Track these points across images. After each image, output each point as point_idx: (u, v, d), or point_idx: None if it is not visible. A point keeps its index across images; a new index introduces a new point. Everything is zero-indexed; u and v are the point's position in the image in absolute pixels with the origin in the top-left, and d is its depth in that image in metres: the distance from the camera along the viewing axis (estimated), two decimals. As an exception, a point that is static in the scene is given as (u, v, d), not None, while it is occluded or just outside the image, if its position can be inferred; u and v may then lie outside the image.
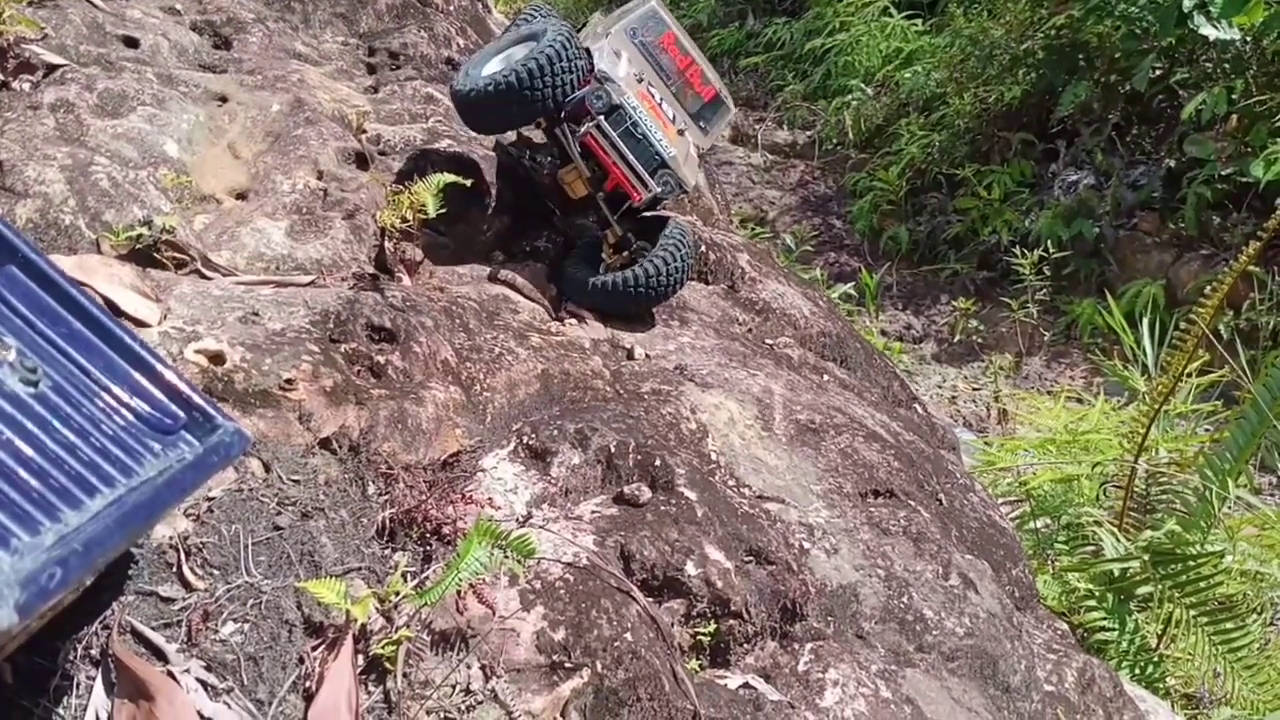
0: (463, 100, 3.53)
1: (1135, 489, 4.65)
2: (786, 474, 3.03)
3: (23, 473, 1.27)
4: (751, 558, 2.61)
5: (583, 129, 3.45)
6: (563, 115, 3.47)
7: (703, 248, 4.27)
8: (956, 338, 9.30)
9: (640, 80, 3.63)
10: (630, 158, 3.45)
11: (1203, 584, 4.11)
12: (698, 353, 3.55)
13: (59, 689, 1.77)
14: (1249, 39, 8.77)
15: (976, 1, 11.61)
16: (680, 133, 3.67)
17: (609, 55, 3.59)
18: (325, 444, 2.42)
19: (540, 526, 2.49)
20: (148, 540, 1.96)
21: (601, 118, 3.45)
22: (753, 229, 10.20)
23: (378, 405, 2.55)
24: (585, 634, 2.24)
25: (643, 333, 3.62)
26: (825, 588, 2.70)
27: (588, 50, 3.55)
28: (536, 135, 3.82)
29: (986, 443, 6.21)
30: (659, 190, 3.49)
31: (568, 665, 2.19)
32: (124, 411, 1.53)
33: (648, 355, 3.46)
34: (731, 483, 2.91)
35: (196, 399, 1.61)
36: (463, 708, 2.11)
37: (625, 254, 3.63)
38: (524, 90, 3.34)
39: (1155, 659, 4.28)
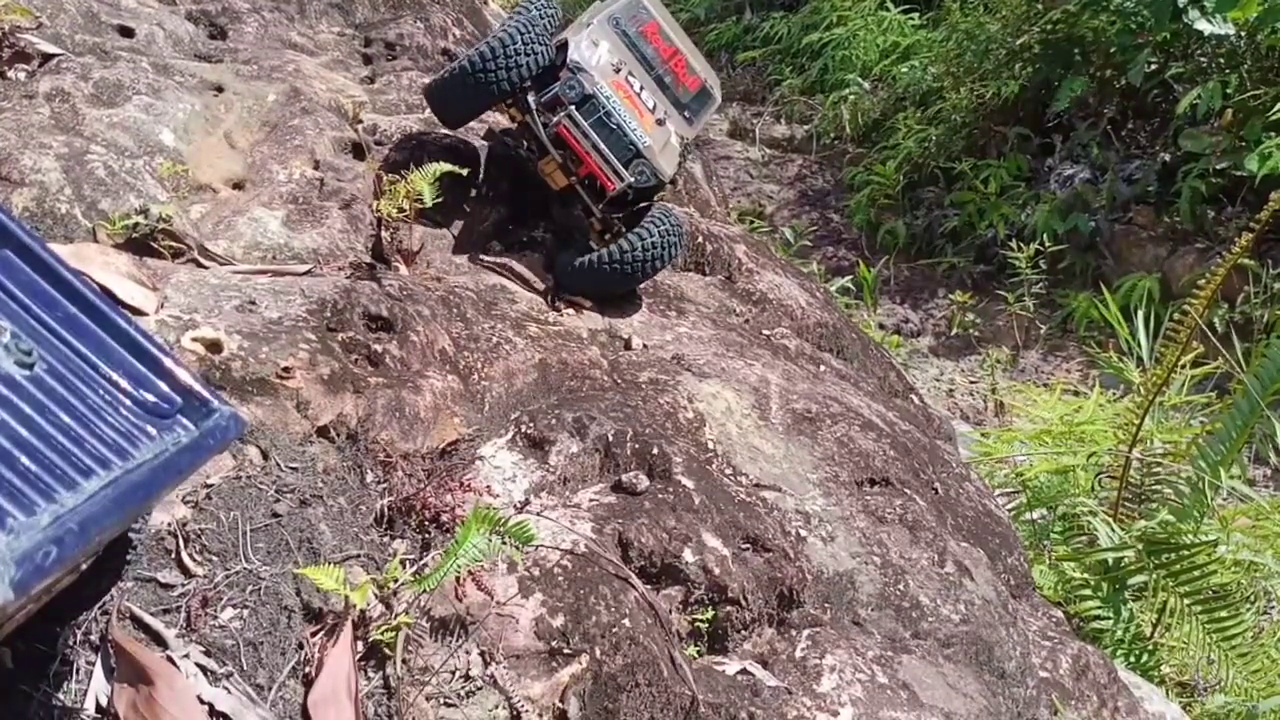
0: (429, 93, 3.62)
1: (1130, 479, 4.66)
2: (783, 462, 3.03)
3: (18, 454, 1.26)
4: (748, 545, 2.62)
5: (555, 119, 3.46)
6: (530, 103, 3.50)
7: (699, 238, 4.27)
8: (954, 331, 9.30)
9: (618, 70, 3.62)
10: (603, 147, 3.46)
11: (1197, 573, 4.13)
12: (695, 343, 3.55)
13: (59, 674, 1.78)
14: (1243, 33, 8.78)
15: (972, -4, 11.62)
16: (660, 122, 3.66)
17: (588, 44, 3.59)
18: (323, 432, 2.43)
19: (538, 514, 2.50)
20: (146, 526, 1.96)
21: (573, 108, 3.45)
22: (751, 223, 10.20)
23: (375, 394, 2.55)
24: (584, 620, 2.24)
25: (640, 323, 3.62)
26: (822, 575, 2.71)
27: (549, 32, 3.56)
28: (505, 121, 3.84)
29: (984, 434, 6.21)
30: (633, 180, 3.49)
31: (566, 651, 2.20)
32: (120, 395, 1.53)
33: (645, 345, 3.47)
34: (728, 471, 2.92)
35: (192, 384, 1.61)
36: (462, 693, 2.12)
37: (610, 238, 3.65)
38: (478, 73, 3.39)
39: (1150, 647, 4.30)
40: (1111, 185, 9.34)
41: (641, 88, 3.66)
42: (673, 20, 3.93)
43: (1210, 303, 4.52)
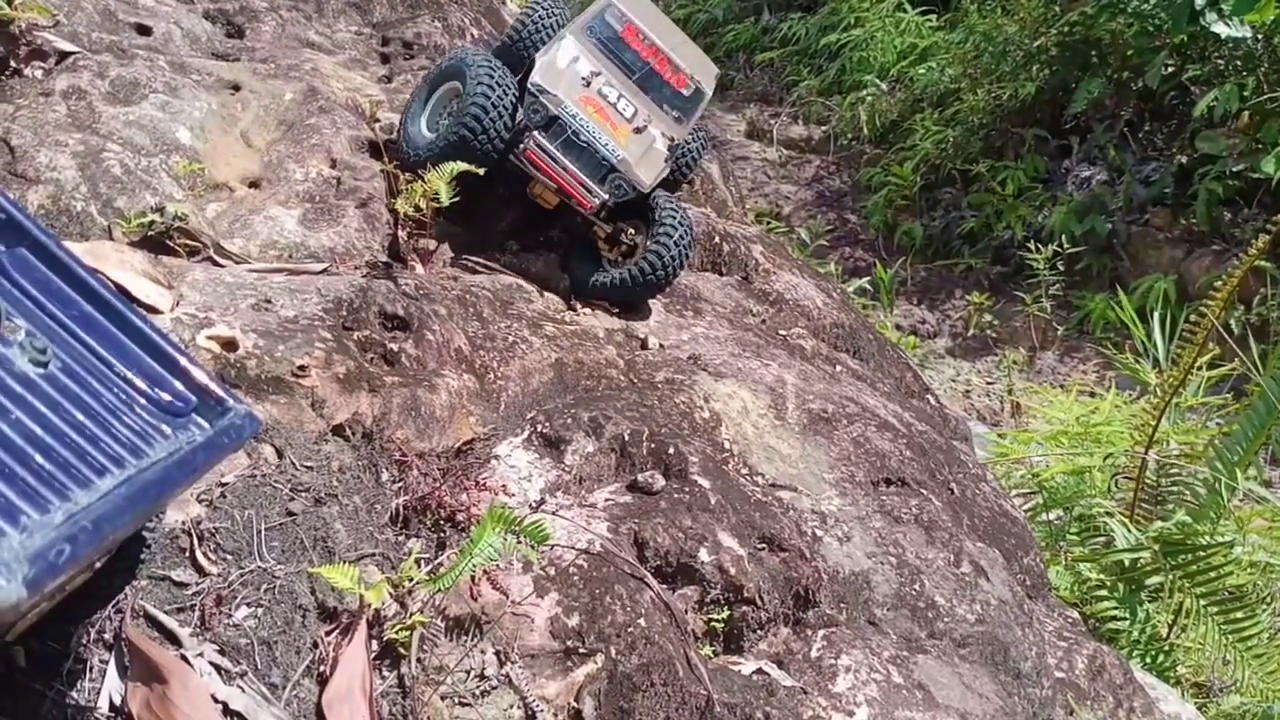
0: (413, 167, 3.47)
1: (1146, 480, 4.65)
2: (799, 462, 3.02)
3: (32, 452, 1.26)
4: (764, 545, 2.61)
5: (522, 146, 3.41)
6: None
7: (716, 238, 4.26)
8: (970, 332, 9.30)
9: (589, 83, 3.55)
10: (572, 168, 3.42)
11: (1213, 574, 4.11)
12: (711, 343, 3.54)
13: (72, 673, 1.77)
14: (1260, 36, 8.75)
15: (990, -3, 11.61)
16: (639, 130, 3.59)
17: (563, 57, 3.53)
18: (338, 431, 2.42)
19: (554, 513, 2.49)
20: (160, 525, 1.96)
21: (538, 132, 3.40)
22: (768, 223, 10.20)
23: (391, 392, 2.55)
24: (599, 620, 2.24)
25: (657, 323, 3.62)
26: (837, 575, 2.69)
27: (511, 73, 3.50)
28: None
29: (1000, 435, 6.20)
30: (607, 196, 3.45)
31: (582, 651, 2.19)
32: (134, 393, 1.53)
33: (661, 345, 3.46)
34: (744, 471, 2.91)
35: (207, 382, 1.60)
36: (477, 693, 2.11)
37: (620, 245, 3.63)
38: (459, 152, 3.31)
39: (1165, 648, 4.28)
40: (1128, 187, 9.33)
41: (619, 96, 3.59)
42: (658, 17, 3.84)
43: (1227, 304, 4.50)
